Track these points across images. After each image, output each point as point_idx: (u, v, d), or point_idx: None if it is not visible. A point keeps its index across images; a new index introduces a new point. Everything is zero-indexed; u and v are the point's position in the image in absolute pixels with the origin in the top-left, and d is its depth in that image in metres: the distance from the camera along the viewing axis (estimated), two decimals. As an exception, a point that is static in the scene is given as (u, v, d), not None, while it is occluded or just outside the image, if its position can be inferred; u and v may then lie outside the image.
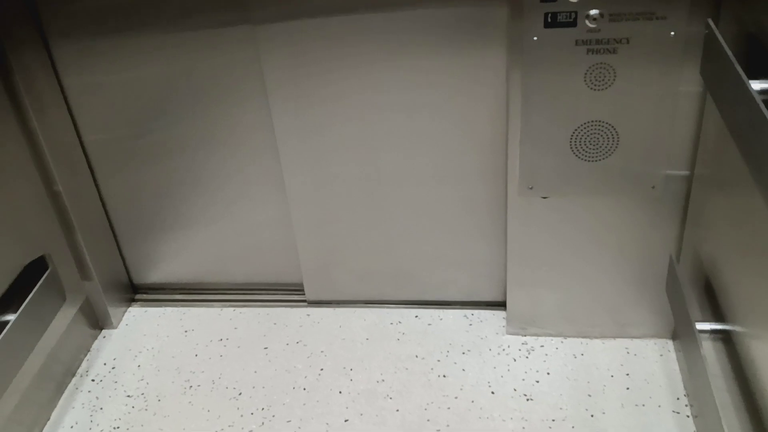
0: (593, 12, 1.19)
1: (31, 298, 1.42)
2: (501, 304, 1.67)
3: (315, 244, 1.66)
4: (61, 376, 1.59)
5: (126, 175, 1.65)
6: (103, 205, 1.70)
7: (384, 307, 1.71)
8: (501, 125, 1.41)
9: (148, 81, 1.50)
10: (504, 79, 1.36)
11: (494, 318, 1.65)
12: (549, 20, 1.21)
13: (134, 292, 1.84)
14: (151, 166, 1.62)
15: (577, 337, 1.58)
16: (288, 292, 1.79)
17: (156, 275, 1.83)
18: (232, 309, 1.76)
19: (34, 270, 1.47)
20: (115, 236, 1.76)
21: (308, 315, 1.72)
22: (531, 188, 1.39)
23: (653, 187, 1.35)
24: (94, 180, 1.66)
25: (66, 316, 1.60)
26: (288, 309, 1.74)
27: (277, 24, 1.35)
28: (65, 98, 1.54)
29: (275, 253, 1.74)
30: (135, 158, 1.62)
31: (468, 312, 1.68)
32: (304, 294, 1.75)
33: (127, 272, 1.83)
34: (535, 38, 1.23)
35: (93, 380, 1.60)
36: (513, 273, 1.52)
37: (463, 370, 1.53)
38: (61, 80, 1.52)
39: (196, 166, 1.61)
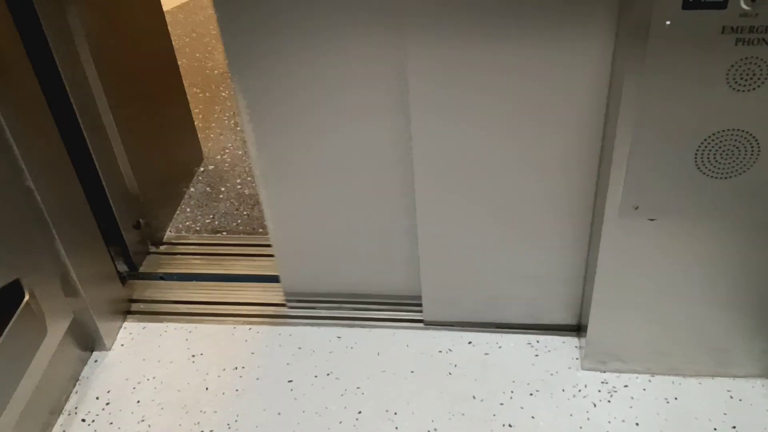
0: (753, -11, 0.88)
1: (6, 335, 1.14)
2: (572, 329, 1.40)
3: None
4: (46, 414, 1.32)
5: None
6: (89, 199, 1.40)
7: (429, 329, 1.44)
8: (591, 129, 1.11)
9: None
10: (602, 75, 1.05)
11: (565, 347, 1.38)
12: (690, -1, 0.90)
13: (129, 302, 1.56)
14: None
15: (668, 374, 1.31)
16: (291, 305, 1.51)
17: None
18: (247, 327, 1.48)
19: (9, 296, 1.19)
20: (103, 233, 1.47)
21: (339, 337, 1.44)
22: (636, 208, 1.09)
23: (795, 212, 1.06)
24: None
25: (51, 342, 1.32)
26: (312, 328, 1.46)
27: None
28: (38, 79, 1.22)
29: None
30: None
31: (532, 338, 1.40)
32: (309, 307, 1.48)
33: (120, 277, 1.54)
34: (669, 23, 0.91)
35: (83, 420, 1.33)
36: (600, 295, 1.24)
37: (533, 417, 1.27)
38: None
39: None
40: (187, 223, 1.73)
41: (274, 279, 1.56)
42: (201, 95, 2.17)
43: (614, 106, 1.04)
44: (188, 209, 1.77)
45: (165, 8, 2.61)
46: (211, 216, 1.74)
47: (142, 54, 1.62)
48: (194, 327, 1.49)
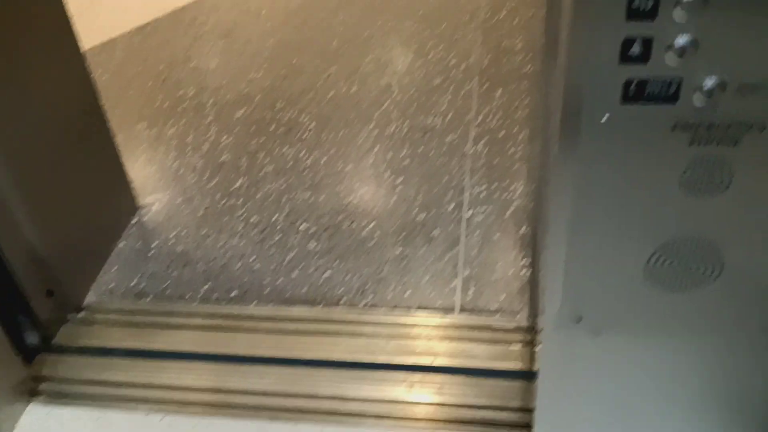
0: (709, 82, 0.70)
1: None
2: (525, 427, 1.23)
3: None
4: None
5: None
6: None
7: (364, 427, 1.27)
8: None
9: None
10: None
11: (513, 451, 1.21)
12: (632, 91, 0.72)
13: (36, 380, 1.40)
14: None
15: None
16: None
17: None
18: (158, 417, 1.31)
19: None
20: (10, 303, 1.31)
21: (261, 432, 1.28)
22: (579, 321, 0.92)
23: (766, 329, 0.89)
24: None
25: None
26: (235, 422, 1.29)
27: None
28: None
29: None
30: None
31: (477, 438, 1.24)
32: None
33: (28, 351, 1.38)
34: (605, 119, 0.74)
35: None
36: (543, 404, 1.07)
37: None
38: None
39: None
40: (111, 285, 1.57)
41: (203, 357, 1.40)
42: (147, 132, 2.00)
43: (545, 207, 0.87)
44: (115, 268, 1.61)
45: (121, 31, 2.46)
46: (138, 276, 1.58)
47: (50, 94, 1.45)
48: (102, 414, 1.33)
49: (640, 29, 0.68)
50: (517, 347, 1.35)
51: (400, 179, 1.76)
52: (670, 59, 0.69)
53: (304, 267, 1.56)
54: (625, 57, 0.70)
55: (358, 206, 1.70)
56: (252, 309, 1.48)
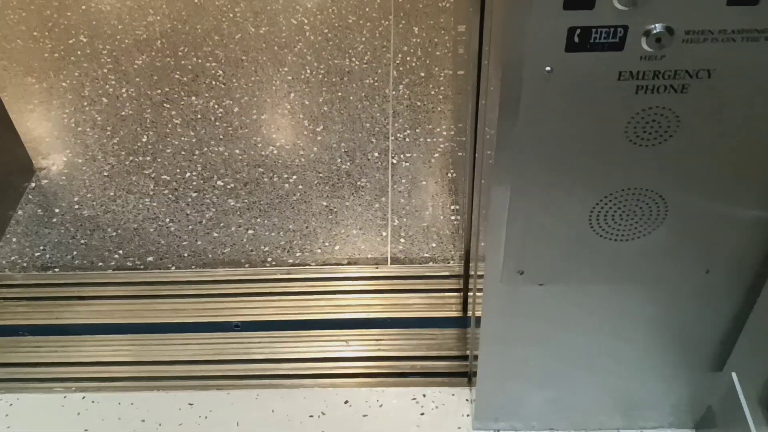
0: (657, 28, 0.66)
1: None
2: (462, 375, 1.22)
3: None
4: None
5: None
6: None
7: (301, 388, 1.22)
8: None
9: None
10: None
11: (455, 402, 1.19)
12: (577, 39, 0.67)
13: (-63, 369, 1.28)
14: None
15: (570, 431, 1.15)
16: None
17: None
18: (80, 396, 1.23)
19: None
20: None
21: (190, 405, 1.21)
22: (522, 273, 0.89)
23: (707, 272, 0.88)
24: None
25: None
26: (159, 394, 1.23)
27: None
28: None
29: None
30: None
31: (418, 392, 1.21)
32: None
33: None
34: (549, 69, 0.69)
35: None
36: (487, 353, 1.05)
37: (416, 499, 1.09)
38: None
39: None
40: (13, 258, 1.44)
41: (122, 329, 1.31)
42: (37, 86, 1.84)
43: (483, 158, 0.82)
44: (14, 239, 1.48)
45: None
46: (42, 247, 1.46)
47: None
48: (16, 398, 1.23)
49: (585, -29, 0.63)
50: (451, 295, 1.33)
51: (321, 127, 1.68)
52: (617, 4, 0.64)
53: (224, 226, 1.48)
54: (569, 2, 0.64)
55: (277, 158, 1.62)
56: (171, 274, 1.40)
